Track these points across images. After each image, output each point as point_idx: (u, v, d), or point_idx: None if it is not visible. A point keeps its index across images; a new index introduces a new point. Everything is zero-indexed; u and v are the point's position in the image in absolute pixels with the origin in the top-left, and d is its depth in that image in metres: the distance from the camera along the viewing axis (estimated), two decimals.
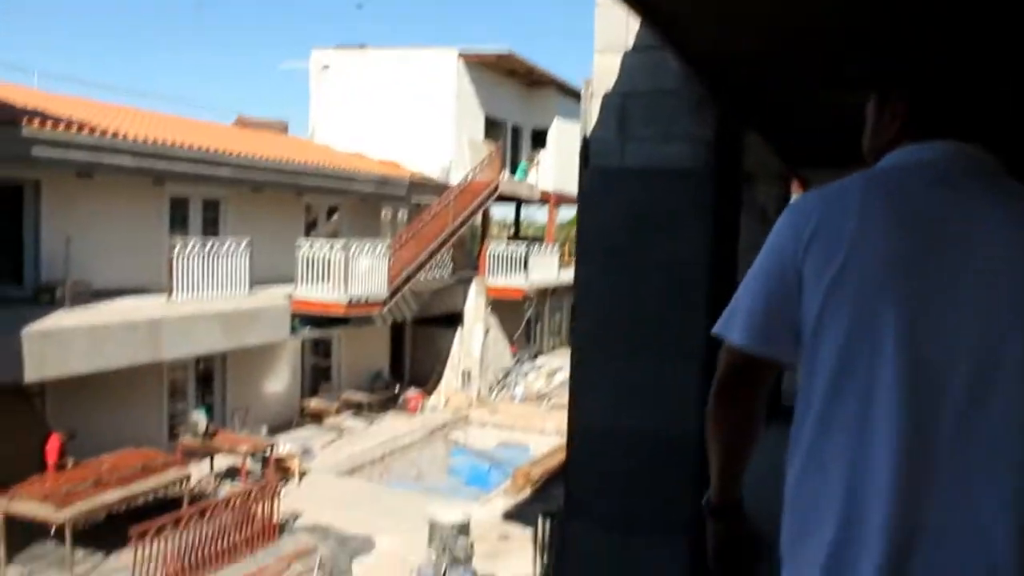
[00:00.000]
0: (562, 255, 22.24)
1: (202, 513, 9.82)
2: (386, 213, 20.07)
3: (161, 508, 10.35)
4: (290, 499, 12.10)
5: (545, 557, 8.18)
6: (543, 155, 23.54)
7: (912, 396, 1.24)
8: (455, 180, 19.55)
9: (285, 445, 13.84)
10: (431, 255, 17.24)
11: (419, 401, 18.46)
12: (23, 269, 11.85)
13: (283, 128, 21.01)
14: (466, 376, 19.83)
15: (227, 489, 12.00)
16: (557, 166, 23.14)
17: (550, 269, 21.35)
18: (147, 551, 9.00)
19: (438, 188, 19.39)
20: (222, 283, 13.23)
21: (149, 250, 13.00)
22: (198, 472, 12.47)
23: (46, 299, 11.22)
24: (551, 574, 7.91)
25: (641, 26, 3.35)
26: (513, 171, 22.80)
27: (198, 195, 14.45)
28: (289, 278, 14.93)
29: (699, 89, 3.45)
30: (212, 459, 12.69)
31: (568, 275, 17.56)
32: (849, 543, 1.26)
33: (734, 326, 1.41)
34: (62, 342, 10.32)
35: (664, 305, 3.48)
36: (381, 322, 16.88)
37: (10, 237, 11.81)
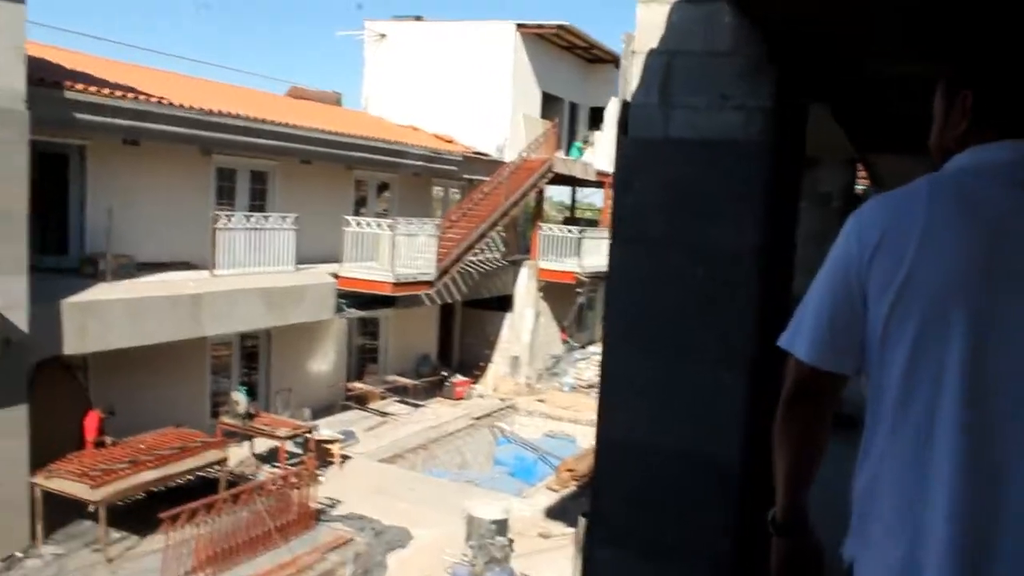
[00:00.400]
0: None
1: (235, 499, 9.46)
2: (438, 191, 19.57)
3: (200, 489, 10.07)
4: (330, 485, 11.76)
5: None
6: (599, 135, 22.72)
7: (974, 411, 1.22)
8: (509, 157, 18.96)
9: (327, 429, 13.50)
10: (481, 235, 16.72)
11: (466, 387, 18.01)
12: (68, 239, 11.63)
13: (336, 99, 20.65)
14: (515, 362, 19.30)
15: (266, 473, 11.67)
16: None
17: (604, 254, 20.57)
18: (177, 537, 8.68)
19: (492, 165, 18.84)
20: (267, 259, 12.91)
21: (196, 223, 12.68)
22: (239, 453, 12.19)
23: (89, 271, 10.98)
24: None
25: None
26: (569, 150, 22.07)
27: (246, 166, 14.09)
28: (336, 257, 14.54)
29: (757, 51, 2.93)
30: (252, 441, 12.36)
31: None
32: (914, 562, 1.24)
33: (800, 340, 1.40)
34: (101, 315, 10.10)
35: (707, 302, 2.97)
36: (429, 303, 16.40)
37: (56, 206, 11.59)
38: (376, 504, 11.29)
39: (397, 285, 14.49)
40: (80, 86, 10.38)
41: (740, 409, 2.92)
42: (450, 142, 19.09)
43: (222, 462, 10.70)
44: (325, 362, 15.98)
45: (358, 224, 14.67)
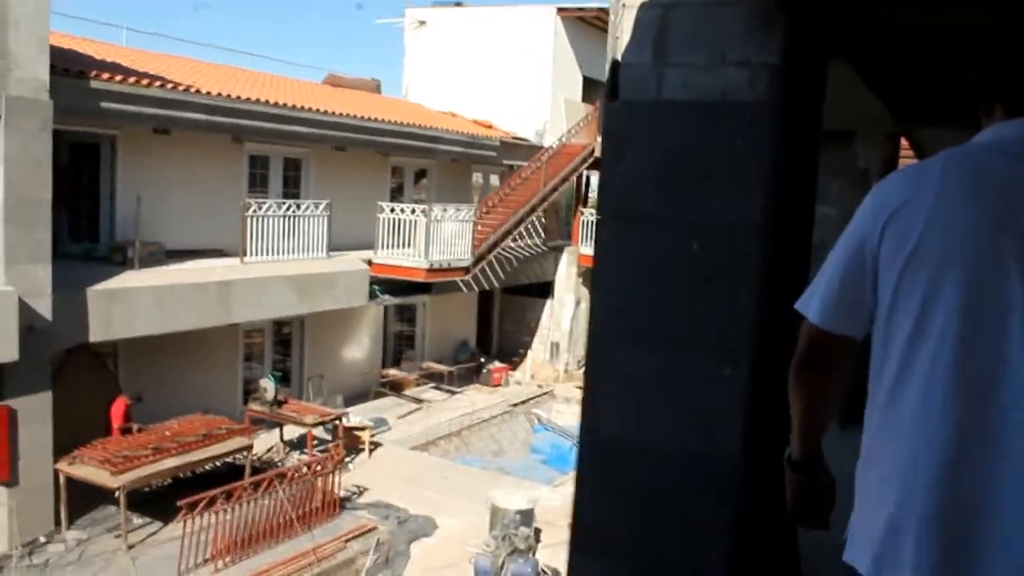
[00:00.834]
0: None
1: (256, 486, 9.41)
2: (477, 177, 19.33)
3: (227, 476, 10.06)
4: (358, 472, 11.67)
5: None
6: None
7: (964, 383, 1.23)
8: (549, 142, 18.59)
9: (360, 416, 13.42)
10: (520, 221, 16.42)
11: (503, 374, 17.77)
12: (99, 228, 11.75)
13: (375, 87, 20.54)
14: (554, 348, 19.00)
15: (294, 460, 11.65)
16: None
17: None
18: (196, 524, 8.66)
19: (531, 150, 18.50)
20: (299, 246, 12.83)
21: (227, 210, 12.65)
22: (269, 440, 12.19)
23: (118, 259, 11.05)
24: None
25: None
26: None
27: (278, 153, 14.05)
28: (371, 244, 14.42)
29: None
30: (281, 428, 12.36)
31: None
32: (898, 524, 1.27)
33: (813, 303, 1.44)
34: (127, 302, 10.12)
35: (705, 285, 2.60)
36: (465, 290, 16.19)
37: (87, 195, 11.71)
38: (404, 492, 11.13)
39: (431, 271, 14.31)
40: (107, 75, 10.41)
41: (740, 405, 2.60)
42: (489, 127, 18.80)
43: (248, 449, 10.68)
44: (360, 349, 15.92)
45: (392, 210, 14.52)
